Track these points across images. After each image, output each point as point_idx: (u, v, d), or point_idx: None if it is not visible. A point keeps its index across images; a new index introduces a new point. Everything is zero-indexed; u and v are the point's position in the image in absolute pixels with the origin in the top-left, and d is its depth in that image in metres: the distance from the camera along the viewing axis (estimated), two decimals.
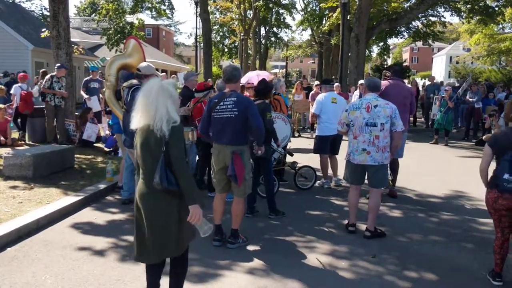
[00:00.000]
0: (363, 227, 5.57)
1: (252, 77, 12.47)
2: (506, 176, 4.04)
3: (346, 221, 5.80)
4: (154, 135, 3.14)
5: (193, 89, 7.63)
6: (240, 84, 6.04)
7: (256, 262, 4.67)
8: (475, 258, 4.86)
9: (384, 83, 6.98)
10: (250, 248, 5.04)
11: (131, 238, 5.20)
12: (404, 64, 54.24)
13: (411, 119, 17.74)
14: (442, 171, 9.52)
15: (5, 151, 8.03)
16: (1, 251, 4.71)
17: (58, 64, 10.47)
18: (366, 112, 5.36)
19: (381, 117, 5.31)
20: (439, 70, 69.40)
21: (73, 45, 12.91)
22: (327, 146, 7.71)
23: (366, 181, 5.62)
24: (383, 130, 5.32)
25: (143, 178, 3.26)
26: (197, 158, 7.87)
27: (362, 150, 5.35)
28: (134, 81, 5.67)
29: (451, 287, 4.24)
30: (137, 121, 3.22)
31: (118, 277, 4.21)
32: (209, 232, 3.37)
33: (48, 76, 10.81)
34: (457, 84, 16.79)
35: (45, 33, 12.36)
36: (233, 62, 48.83)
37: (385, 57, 41.94)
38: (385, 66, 35.91)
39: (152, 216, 3.21)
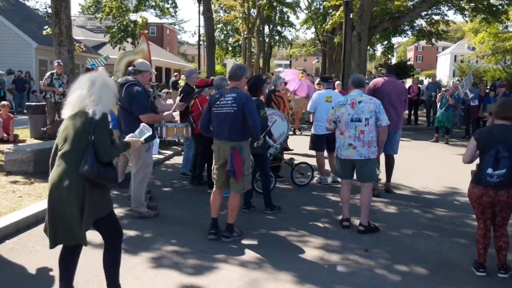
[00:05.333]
0: (358, 222, 5.63)
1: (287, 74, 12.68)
2: (489, 170, 4.13)
3: (340, 217, 5.87)
4: (82, 120, 3.24)
5: (194, 86, 7.76)
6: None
7: (250, 256, 4.75)
8: (466, 253, 4.92)
9: (379, 80, 7.12)
10: (245, 242, 5.12)
11: (128, 231, 5.31)
12: (409, 63, 54.24)
13: (412, 117, 17.79)
14: (440, 169, 9.56)
15: (7, 147, 8.15)
16: (0, 243, 4.81)
17: (55, 61, 10.65)
18: (351, 108, 5.46)
19: (365, 112, 5.42)
20: (444, 69, 69.31)
21: (75, 43, 13.02)
22: (322, 143, 7.79)
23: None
24: (368, 125, 5.42)
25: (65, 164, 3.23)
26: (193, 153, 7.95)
27: (348, 145, 5.45)
28: (130, 78, 5.75)
29: (440, 280, 4.30)
30: (72, 107, 3.31)
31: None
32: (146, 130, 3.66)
33: (48, 74, 10.98)
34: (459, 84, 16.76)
35: (47, 31, 12.48)
36: (236, 61, 48.92)
37: (389, 55, 41.96)
38: (382, 64, 35.90)
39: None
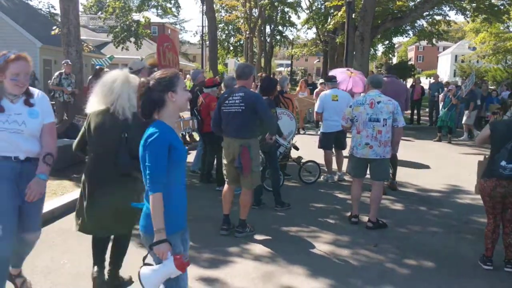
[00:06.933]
0: (365, 219, 5.78)
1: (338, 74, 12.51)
2: (503, 163, 4.24)
3: (349, 213, 6.01)
4: (113, 118, 3.49)
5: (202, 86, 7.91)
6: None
7: (263, 250, 4.89)
8: (473, 248, 5.06)
9: None
10: (257, 237, 5.26)
11: None
12: (410, 62, 54.34)
13: (415, 117, 17.93)
14: (444, 167, 9.69)
15: None
16: None
17: (64, 60, 10.79)
18: (370, 108, 5.57)
19: (384, 113, 5.53)
20: (445, 69, 69.42)
21: (83, 43, 13.17)
22: (330, 142, 7.96)
23: (368, 176, 5.86)
24: (386, 126, 5.53)
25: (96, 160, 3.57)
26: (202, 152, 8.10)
27: (365, 144, 5.57)
28: None
29: (448, 274, 4.44)
30: (96, 103, 3.58)
31: (132, 261, 4.42)
32: None
33: (56, 73, 11.12)
34: (459, 83, 16.91)
35: (55, 31, 12.62)
36: (238, 61, 49.02)
37: (390, 55, 42.15)
38: (388, 65, 36.17)
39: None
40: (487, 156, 4.69)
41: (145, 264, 2.69)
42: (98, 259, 3.86)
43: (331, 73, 9.79)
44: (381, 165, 5.66)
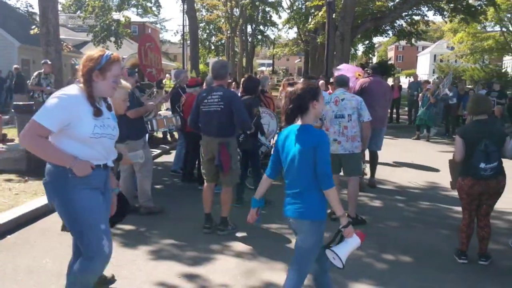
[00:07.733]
0: None
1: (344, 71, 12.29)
2: (482, 165, 4.36)
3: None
4: None
5: (184, 85, 7.96)
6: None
7: (245, 247, 4.96)
8: (450, 243, 5.19)
9: (366, 80, 7.47)
10: (239, 234, 5.33)
11: (125, 226, 5.47)
12: (389, 62, 54.90)
13: (394, 115, 18.18)
14: (421, 164, 9.86)
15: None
16: (1, 239, 4.94)
17: (43, 60, 10.68)
18: (335, 105, 5.80)
19: (347, 109, 5.75)
20: (424, 68, 70.42)
21: (62, 42, 13.05)
22: None
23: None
24: (351, 121, 5.74)
25: None
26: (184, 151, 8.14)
27: (333, 141, 5.74)
28: None
29: (425, 268, 4.57)
30: None
31: (115, 262, 4.45)
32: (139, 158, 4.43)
33: (35, 73, 11.02)
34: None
35: (34, 30, 12.49)
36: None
37: (370, 55, 42.57)
38: (369, 64, 36.56)
39: None
40: None
41: (326, 248, 3.34)
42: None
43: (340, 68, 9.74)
44: (352, 160, 5.81)
